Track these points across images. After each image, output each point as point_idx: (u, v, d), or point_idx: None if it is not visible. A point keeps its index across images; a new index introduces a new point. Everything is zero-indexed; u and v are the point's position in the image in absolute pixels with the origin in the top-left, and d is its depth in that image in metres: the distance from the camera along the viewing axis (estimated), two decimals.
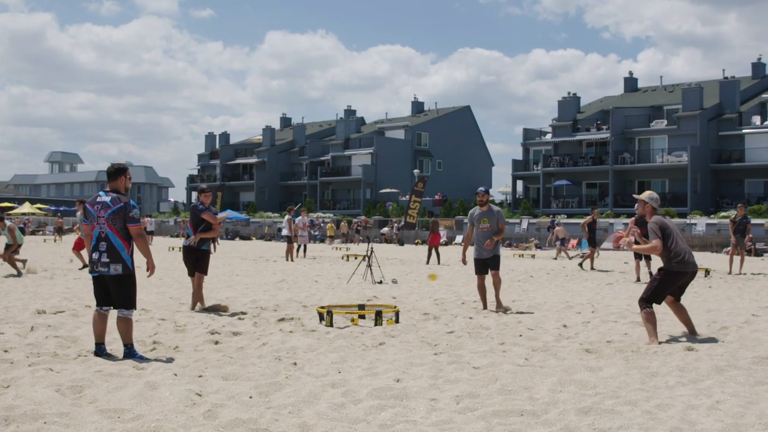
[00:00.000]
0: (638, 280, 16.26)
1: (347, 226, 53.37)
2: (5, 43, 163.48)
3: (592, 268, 20.89)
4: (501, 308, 10.68)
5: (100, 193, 6.79)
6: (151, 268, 6.92)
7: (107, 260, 6.59)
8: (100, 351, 6.79)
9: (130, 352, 6.71)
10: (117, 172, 6.84)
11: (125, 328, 6.73)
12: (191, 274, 10.60)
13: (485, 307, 10.77)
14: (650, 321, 7.92)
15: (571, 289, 14.80)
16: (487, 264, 10.79)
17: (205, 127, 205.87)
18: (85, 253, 17.45)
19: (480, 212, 10.94)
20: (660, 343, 7.80)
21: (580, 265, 21.23)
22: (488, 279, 10.89)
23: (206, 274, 10.65)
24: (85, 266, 17.29)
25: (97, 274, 6.69)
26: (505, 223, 11.02)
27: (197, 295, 10.41)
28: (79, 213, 18.46)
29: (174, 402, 5.04)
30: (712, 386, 5.78)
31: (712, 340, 8.11)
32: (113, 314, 6.88)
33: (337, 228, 51.95)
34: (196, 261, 10.49)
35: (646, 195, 8.25)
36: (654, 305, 8.00)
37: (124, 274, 6.64)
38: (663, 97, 62.89)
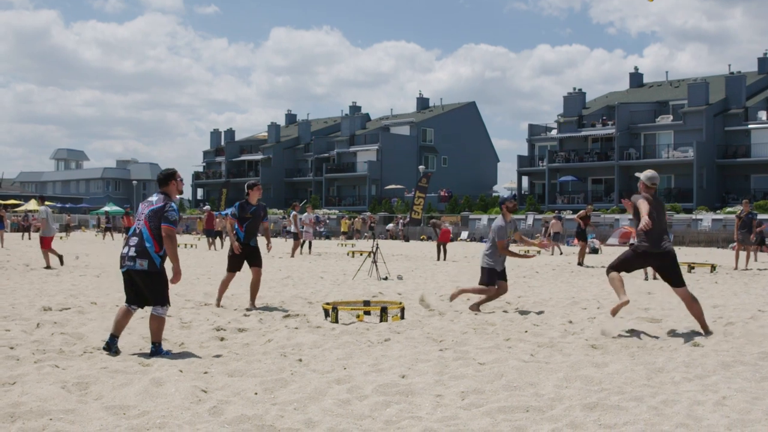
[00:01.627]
0: (647, 278, 15.94)
1: (361, 222, 53.16)
2: (10, 41, 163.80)
3: (579, 264, 20.86)
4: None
5: (153, 194, 6.83)
6: (176, 273, 6.71)
7: (134, 254, 6.57)
8: (112, 342, 6.74)
9: (157, 350, 6.68)
10: (166, 177, 6.84)
11: (156, 326, 6.69)
12: (234, 270, 10.34)
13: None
14: (614, 283, 8.22)
15: (577, 284, 14.77)
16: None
17: (210, 124, 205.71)
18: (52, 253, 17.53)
19: (508, 222, 10.52)
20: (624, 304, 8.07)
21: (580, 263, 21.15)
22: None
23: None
24: (48, 267, 16.91)
25: (125, 269, 6.65)
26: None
27: (256, 288, 10.30)
28: (42, 208, 18.02)
29: (179, 398, 5.05)
30: (719, 382, 5.76)
31: (718, 335, 8.09)
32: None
33: (351, 224, 51.67)
34: (251, 256, 10.32)
35: (644, 173, 8.39)
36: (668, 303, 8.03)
37: (150, 270, 6.58)
38: (669, 93, 62.74)
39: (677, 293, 8.22)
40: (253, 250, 10.37)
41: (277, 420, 4.66)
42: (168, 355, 6.72)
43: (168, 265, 6.77)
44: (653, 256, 8.16)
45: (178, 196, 6.98)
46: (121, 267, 6.70)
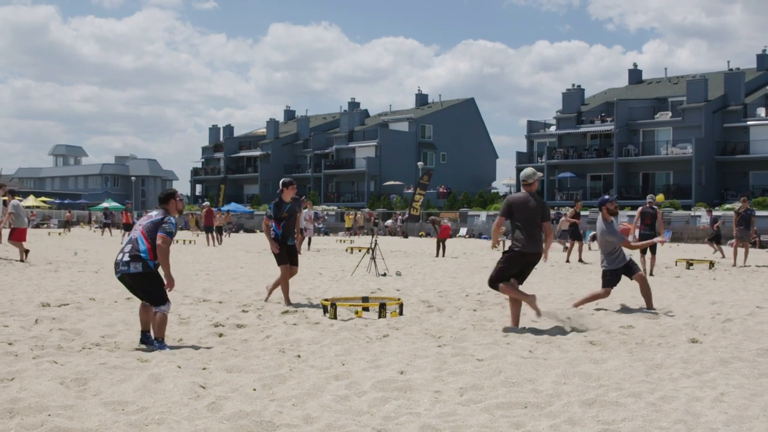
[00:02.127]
0: (651, 274, 15.93)
1: (364, 218, 53.02)
2: (8, 36, 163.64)
3: (567, 261, 20.85)
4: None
5: (155, 209, 7.11)
6: (169, 282, 6.88)
7: (128, 260, 6.77)
8: (146, 338, 6.97)
9: (159, 346, 6.82)
10: (166, 197, 7.14)
11: (157, 323, 6.87)
12: (285, 262, 10.22)
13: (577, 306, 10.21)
14: (508, 291, 8.36)
15: (576, 281, 14.78)
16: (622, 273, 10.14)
17: (209, 120, 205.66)
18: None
19: (607, 224, 10.16)
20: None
21: (580, 260, 21.13)
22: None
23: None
24: (22, 260, 16.82)
25: (120, 275, 6.84)
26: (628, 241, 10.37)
27: (286, 286, 10.28)
28: (13, 202, 17.34)
29: (178, 394, 5.05)
30: (717, 378, 5.77)
31: (716, 332, 8.10)
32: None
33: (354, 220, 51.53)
34: (290, 255, 10.28)
35: (522, 171, 8.55)
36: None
37: (145, 272, 6.77)
38: (668, 89, 62.72)
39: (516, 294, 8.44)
40: (291, 249, 10.33)
41: (276, 416, 4.66)
42: (164, 345, 6.84)
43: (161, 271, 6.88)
44: (526, 256, 8.28)
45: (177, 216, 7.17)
46: (116, 273, 6.89)
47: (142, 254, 6.74)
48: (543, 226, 8.28)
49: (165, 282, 6.89)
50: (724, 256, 23.40)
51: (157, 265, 6.84)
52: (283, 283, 10.27)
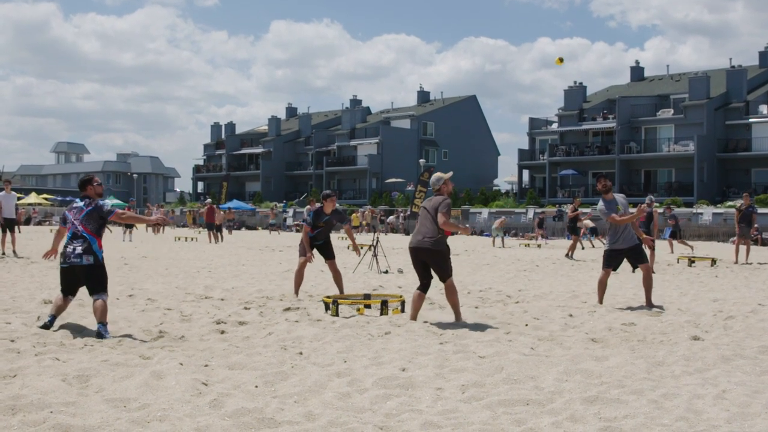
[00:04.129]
0: (634, 270, 15.92)
1: (371, 216, 52.88)
2: (9, 33, 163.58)
3: (567, 256, 20.91)
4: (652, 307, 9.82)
5: (76, 200, 7.73)
6: (152, 222, 8.13)
7: (80, 252, 7.39)
8: (51, 322, 7.54)
9: (102, 329, 7.27)
10: (83, 183, 7.73)
11: (101, 308, 7.37)
12: (303, 253, 10.74)
13: (601, 302, 10.19)
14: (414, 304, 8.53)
15: (577, 278, 14.78)
16: (624, 257, 10.04)
17: (211, 117, 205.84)
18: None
19: (609, 201, 10.01)
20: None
21: (567, 255, 21.17)
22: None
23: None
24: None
25: (68, 266, 7.47)
26: (622, 213, 9.88)
27: (299, 279, 10.92)
28: None
29: (180, 391, 5.05)
30: (719, 375, 5.77)
31: (718, 329, 8.10)
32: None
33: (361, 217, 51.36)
34: (323, 250, 10.98)
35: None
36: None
37: (95, 264, 7.45)
38: (669, 86, 62.64)
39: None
40: (324, 245, 10.99)
41: (278, 413, 4.66)
42: (108, 335, 7.17)
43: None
44: (412, 251, 8.43)
45: (109, 201, 7.79)
46: (64, 263, 7.50)
47: (93, 246, 7.42)
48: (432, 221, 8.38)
49: (156, 223, 8.21)
50: (672, 252, 23.34)
51: (102, 254, 7.56)
52: (297, 274, 10.88)
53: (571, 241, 22.17)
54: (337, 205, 11.05)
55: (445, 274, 8.37)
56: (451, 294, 8.47)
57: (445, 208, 8.24)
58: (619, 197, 10.11)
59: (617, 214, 9.82)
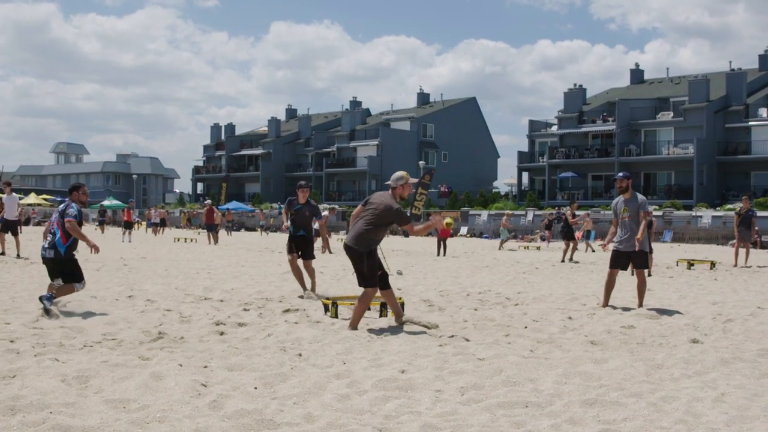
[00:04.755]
0: (649, 275, 15.90)
1: None
2: (10, 34, 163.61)
3: (563, 260, 20.88)
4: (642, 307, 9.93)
5: (65, 200, 8.96)
6: (91, 246, 8.90)
7: (47, 246, 8.73)
8: (48, 297, 8.44)
9: (47, 296, 8.35)
10: (71, 188, 9.07)
11: (65, 288, 8.66)
12: (291, 252, 11.26)
13: (606, 304, 10.22)
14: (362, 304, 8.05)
15: (577, 281, 14.78)
16: (626, 258, 10.17)
17: (211, 118, 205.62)
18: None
19: (623, 200, 10.19)
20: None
21: (566, 260, 21.15)
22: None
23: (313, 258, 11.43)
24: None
25: (42, 258, 8.88)
26: (648, 213, 10.09)
27: (297, 275, 11.23)
28: None
29: (179, 392, 5.05)
30: (718, 378, 5.77)
31: (717, 332, 8.10)
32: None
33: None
34: (300, 246, 11.25)
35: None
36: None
37: (56, 258, 8.69)
38: (669, 89, 62.69)
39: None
40: (298, 240, 11.29)
41: (277, 414, 4.66)
42: (47, 304, 8.26)
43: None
44: (346, 248, 8.10)
45: (84, 208, 9.05)
46: (41, 256, 8.87)
47: (57, 242, 8.65)
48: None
49: (93, 250, 8.92)
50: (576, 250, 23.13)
51: (69, 249, 8.70)
52: (293, 271, 11.27)
53: (564, 246, 22.09)
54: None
55: (360, 279, 8.00)
56: (360, 301, 8.08)
57: (381, 218, 8.07)
58: (641, 198, 10.21)
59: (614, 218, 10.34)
